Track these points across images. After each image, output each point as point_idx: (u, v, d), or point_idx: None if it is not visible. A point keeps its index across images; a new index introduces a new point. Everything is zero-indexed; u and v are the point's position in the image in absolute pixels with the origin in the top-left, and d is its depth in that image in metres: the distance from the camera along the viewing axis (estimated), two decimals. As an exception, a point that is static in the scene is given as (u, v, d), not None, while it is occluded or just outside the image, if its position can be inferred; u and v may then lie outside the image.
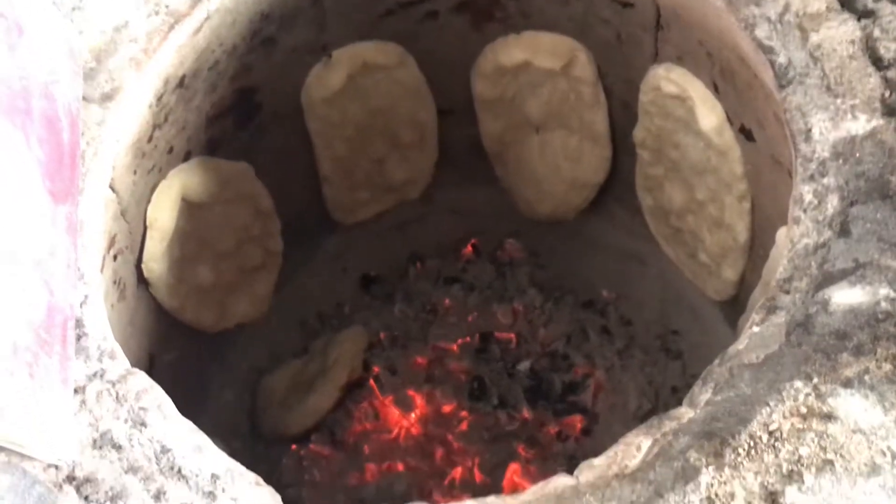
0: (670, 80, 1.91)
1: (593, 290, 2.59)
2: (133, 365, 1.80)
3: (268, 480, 1.30)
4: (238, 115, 2.07)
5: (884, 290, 1.21)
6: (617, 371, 2.46)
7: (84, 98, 1.54)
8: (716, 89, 1.84)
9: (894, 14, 1.44)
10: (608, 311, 2.56)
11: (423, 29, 2.16)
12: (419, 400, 2.44)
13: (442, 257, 2.68)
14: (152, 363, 1.96)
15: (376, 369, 2.49)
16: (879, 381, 1.15)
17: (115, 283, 1.73)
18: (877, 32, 1.43)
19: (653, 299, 2.51)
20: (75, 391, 1.28)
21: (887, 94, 1.38)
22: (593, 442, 2.34)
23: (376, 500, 2.29)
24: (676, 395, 2.38)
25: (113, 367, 1.32)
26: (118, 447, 1.24)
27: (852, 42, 1.45)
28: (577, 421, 2.38)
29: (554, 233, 2.57)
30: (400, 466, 2.35)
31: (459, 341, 2.54)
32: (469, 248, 2.69)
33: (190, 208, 1.97)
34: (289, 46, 2.04)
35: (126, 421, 1.26)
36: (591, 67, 2.12)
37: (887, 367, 1.16)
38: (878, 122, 1.37)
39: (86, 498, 1.19)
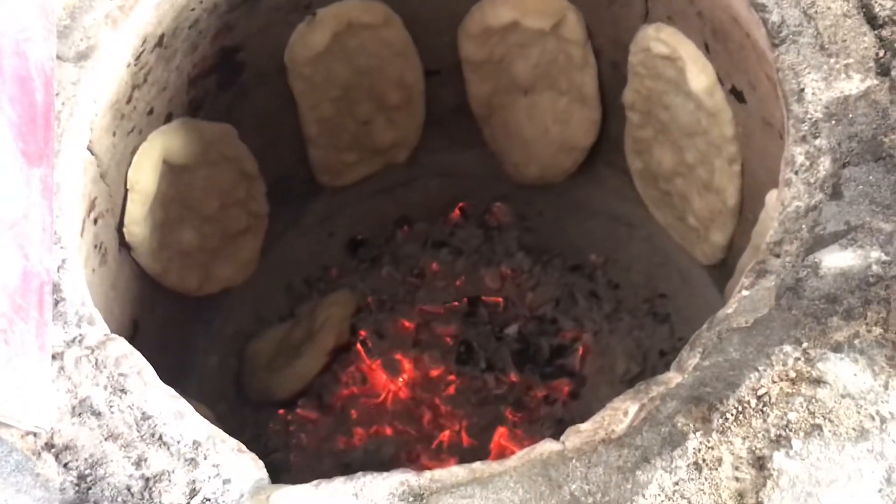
0: (660, 40, 1.88)
1: (581, 253, 2.57)
2: (116, 330, 1.78)
3: (254, 445, 1.29)
4: (220, 76, 2.03)
5: (875, 254, 1.19)
6: (605, 335, 2.45)
7: (58, 57, 1.49)
8: (707, 50, 1.80)
9: (890, -29, 1.41)
10: (596, 274, 2.55)
11: (409, -13, 2.12)
12: (407, 364, 2.43)
13: (429, 221, 2.66)
14: (136, 328, 1.94)
15: (363, 333, 2.48)
16: (869, 345, 1.14)
17: (95, 247, 1.70)
18: (872, -10, 1.40)
19: (641, 263, 2.49)
20: (53, 357, 1.26)
21: (881, 53, 1.36)
22: (581, 405, 2.34)
23: (364, 464, 2.29)
24: (664, 359, 2.38)
25: (92, 333, 1.29)
26: (98, 414, 1.22)
27: (846, 0, 1.42)
28: (565, 384, 2.38)
29: (542, 196, 2.55)
30: (388, 430, 2.35)
31: (447, 305, 2.53)
32: (457, 211, 2.67)
33: (172, 171, 1.93)
34: (272, 5, 1.99)
35: (105, 387, 1.24)
36: (581, 27, 2.08)
37: (877, 330, 1.14)
38: (871, 81, 1.35)
39: (65, 465, 1.17)
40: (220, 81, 2.04)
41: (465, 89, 2.31)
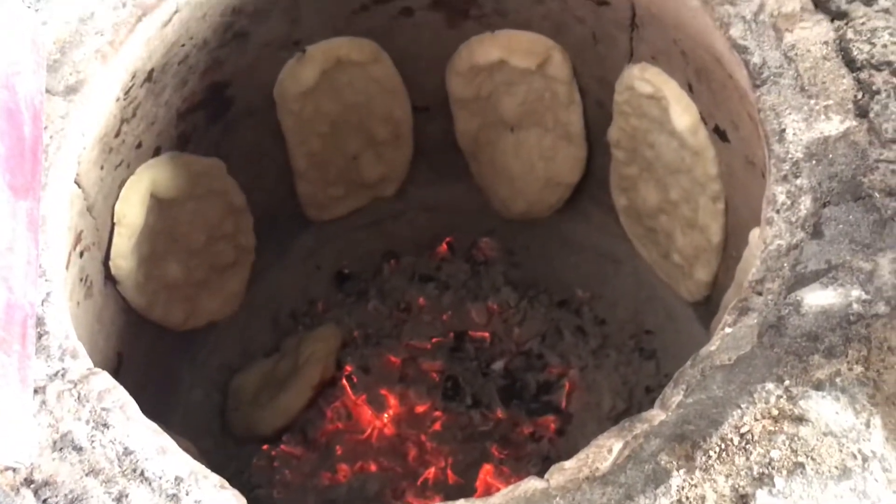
0: (645, 79, 1.90)
1: (568, 289, 2.58)
2: (100, 363, 1.77)
3: (237, 481, 1.28)
4: (209, 111, 2.04)
5: (855, 292, 1.21)
6: (591, 371, 2.45)
7: (47, 90, 1.50)
8: (690, 89, 1.83)
9: (867, 16, 1.45)
10: (582, 310, 2.56)
11: (397, 25, 2.14)
12: (392, 399, 2.42)
13: (416, 255, 2.67)
14: (120, 361, 1.93)
15: (349, 368, 2.47)
16: (851, 383, 1.14)
17: (81, 280, 1.69)
18: (850, 34, 1.43)
19: (627, 299, 2.50)
20: (35, 391, 1.25)
21: (860, 95, 1.38)
22: (567, 442, 2.34)
23: (348, 501, 2.27)
24: (650, 395, 2.38)
25: (75, 367, 1.28)
26: (79, 449, 1.21)
27: (826, 43, 1.45)
28: (551, 421, 2.37)
29: (529, 232, 2.56)
30: (373, 467, 2.33)
31: (433, 340, 2.53)
32: (444, 246, 2.68)
33: (159, 204, 1.93)
34: (261, 41, 2.01)
35: (88, 422, 1.23)
36: (567, 66, 2.11)
37: (858, 369, 1.15)
38: (850, 123, 1.37)
39: (44, 501, 1.16)
40: (209, 116, 2.05)
41: (453, 125, 2.33)
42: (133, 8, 1.61)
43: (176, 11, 1.69)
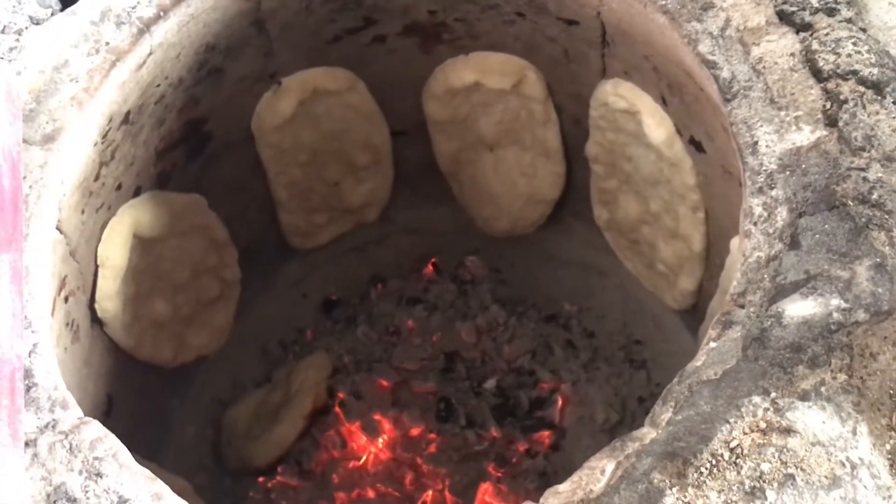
0: (619, 94, 1.93)
1: (555, 303, 2.59)
2: (90, 407, 1.77)
3: (234, 517, 1.28)
4: (188, 147, 2.05)
5: (835, 301, 1.22)
6: (583, 384, 2.46)
7: (25, 140, 1.50)
8: (664, 102, 1.85)
9: (831, 26, 1.47)
10: (571, 324, 2.57)
11: (371, 53, 2.16)
12: (386, 424, 2.42)
13: (403, 278, 2.67)
14: (111, 403, 1.92)
15: (341, 395, 2.47)
16: (835, 392, 1.16)
17: (67, 325, 1.69)
18: (815, 45, 1.45)
19: (614, 310, 2.52)
20: (26, 444, 1.24)
21: (828, 105, 1.40)
22: (563, 457, 2.34)
23: (347, 528, 2.27)
24: (643, 405, 2.39)
25: (65, 417, 1.28)
26: (73, 500, 1.20)
27: (792, 55, 1.47)
28: (546, 437, 2.38)
29: (513, 249, 2.58)
30: (370, 493, 2.33)
31: (424, 362, 2.53)
32: (430, 267, 2.68)
33: (142, 244, 1.93)
34: (237, 76, 2.02)
35: (81, 472, 1.23)
36: (541, 85, 2.13)
37: (842, 377, 1.17)
38: (821, 132, 1.39)
39: (41, 556, 1.16)
40: (188, 153, 2.06)
41: (432, 148, 2.35)
42: (107, 54, 1.61)
43: (150, 53, 1.70)
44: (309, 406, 2.38)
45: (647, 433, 1.20)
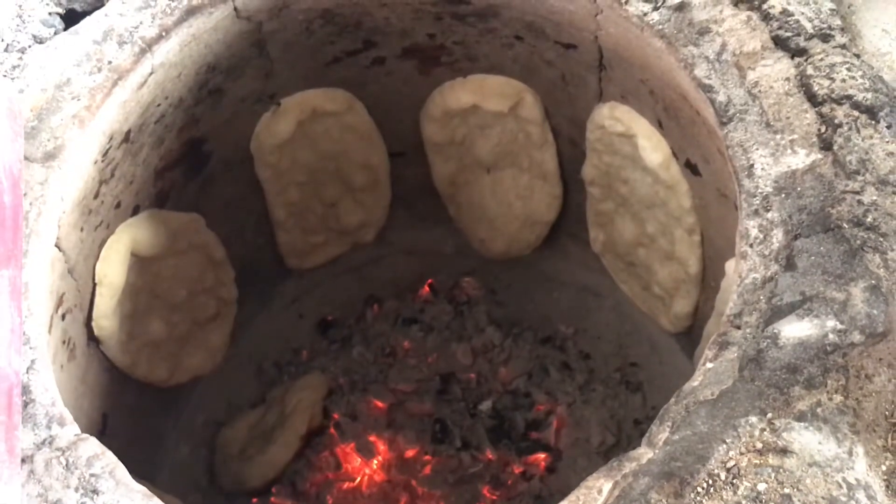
0: (615, 118, 1.94)
1: (551, 325, 2.60)
2: (86, 424, 1.77)
3: (228, 538, 1.27)
4: (187, 167, 2.06)
5: (830, 323, 1.23)
6: (578, 406, 2.46)
7: (26, 157, 1.51)
8: (660, 126, 1.87)
9: (825, 52, 1.49)
10: (567, 345, 2.57)
11: (370, 74, 2.17)
12: (381, 445, 2.41)
13: (399, 299, 2.67)
14: (105, 421, 1.91)
15: (336, 416, 2.46)
16: (831, 413, 1.16)
17: (64, 342, 1.69)
18: (810, 70, 1.48)
19: (610, 332, 2.52)
20: (23, 460, 1.24)
21: (823, 128, 1.42)
22: (558, 480, 2.34)
23: (341, 550, 2.25)
24: (639, 428, 2.39)
25: (62, 434, 1.28)
26: (69, 518, 1.20)
27: (787, 79, 1.49)
28: (541, 459, 2.37)
29: (510, 270, 2.58)
30: (364, 515, 2.32)
31: (420, 383, 2.53)
32: (426, 288, 2.69)
33: (140, 262, 1.94)
34: (237, 96, 2.03)
35: (77, 489, 1.23)
36: (538, 108, 2.15)
37: (838, 398, 1.17)
38: (816, 156, 1.41)
39: (35, 574, 1.15)
40: (187, 172, 2.07)
41: (429, 169, 2.36)
42: (108, 72, 1.63)
43: (151, 73, 1.71)
44: (304, 427, 2.37)
45: (644, 453, 1.21)
